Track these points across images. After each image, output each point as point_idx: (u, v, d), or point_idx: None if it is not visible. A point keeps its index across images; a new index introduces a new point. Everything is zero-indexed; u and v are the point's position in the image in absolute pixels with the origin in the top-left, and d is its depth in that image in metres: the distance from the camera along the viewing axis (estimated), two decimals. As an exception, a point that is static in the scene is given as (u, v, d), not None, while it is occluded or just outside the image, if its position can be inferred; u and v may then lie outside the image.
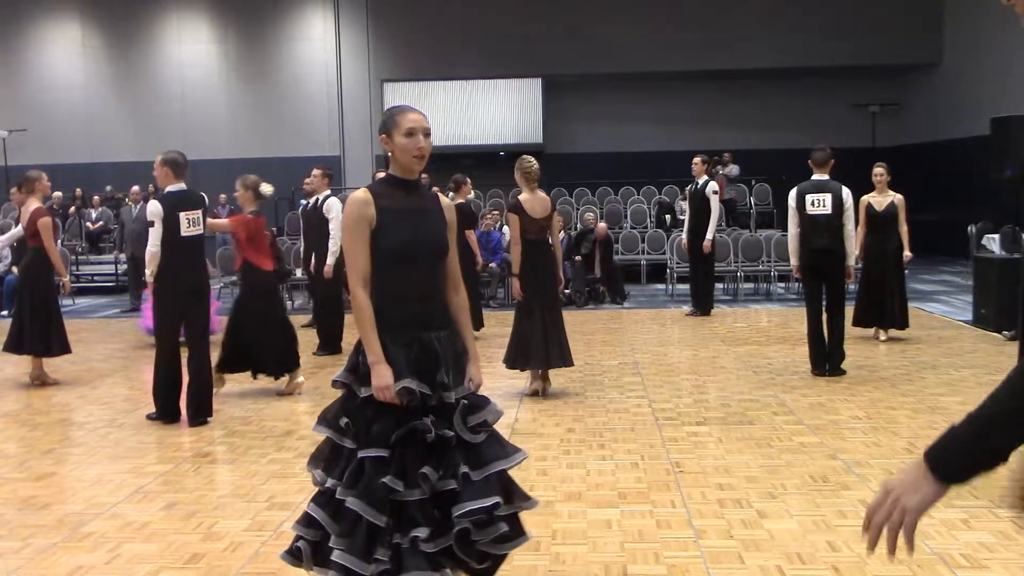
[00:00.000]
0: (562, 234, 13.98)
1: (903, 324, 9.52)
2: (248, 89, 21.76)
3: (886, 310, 9.40)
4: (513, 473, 5.06)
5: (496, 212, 14.91)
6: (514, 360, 7.39)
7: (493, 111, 22.50)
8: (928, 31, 20.18)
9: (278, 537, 4.42)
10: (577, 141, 22.44)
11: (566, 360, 7.38)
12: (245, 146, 21.13)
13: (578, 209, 17.26)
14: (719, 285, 14.19)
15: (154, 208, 6.68)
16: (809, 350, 7.99)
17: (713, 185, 11.86)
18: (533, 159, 7.26)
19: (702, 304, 11.97)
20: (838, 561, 3.97)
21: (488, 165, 20.62)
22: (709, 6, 20.25)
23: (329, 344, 9.60)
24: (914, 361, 8.52)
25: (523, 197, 7.24)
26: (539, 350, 7.24)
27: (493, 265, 13.48)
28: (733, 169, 19.20)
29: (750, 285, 14.77)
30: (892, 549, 1.66)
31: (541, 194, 7.31)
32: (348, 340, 9.70)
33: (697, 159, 11.92)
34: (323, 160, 12.74)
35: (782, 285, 14.62)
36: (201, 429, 6.60)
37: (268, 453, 5.92)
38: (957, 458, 1.63)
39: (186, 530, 4.57)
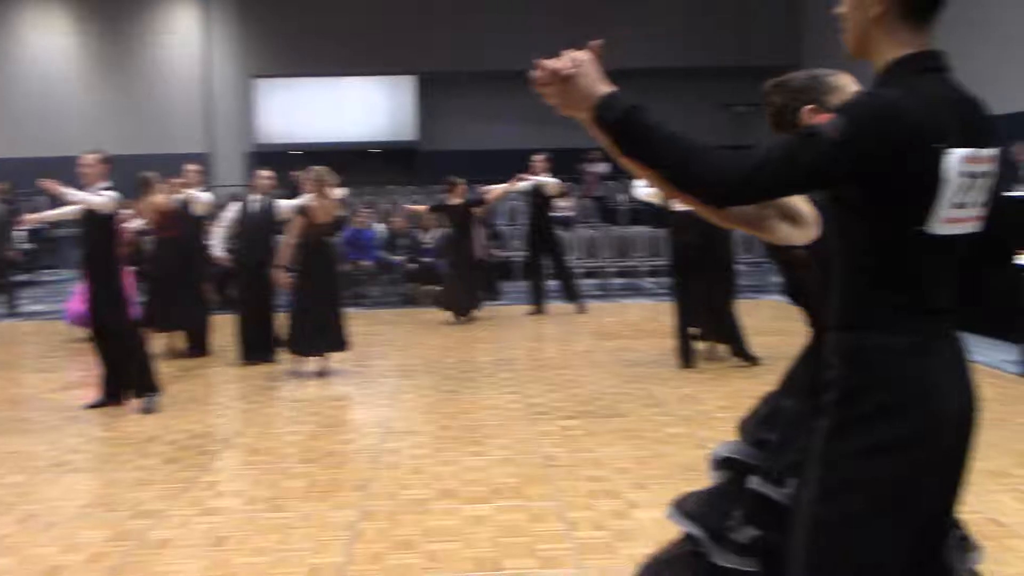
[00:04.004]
0: (438, 231, 13.96)
1: None
2: (110, 83, 20.98)
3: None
4: (384, 472, 5.04)
5: (368, 210, 14.77)
6: (298, 344, 8.10)
7: (366, 108, 22.31)
8: (789, 31, 20.97)
9: (142, 546, 4.28)
10: (453, 138, 22.42)
11: (340, 345, 8.13)
12: (108, 143, 20.16)
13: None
14: (591, 281, 14.40)
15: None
16: (677, 343, 8.19)
17: (550, 179, 11.89)
18: (324, 169, 8.15)
19: (571, 296, 11.88)
20: (705, 547, 4.07)
21: (361, 163, 20.42)
22: (586, 3, 20.51)
23: (198, 346, 9.30)
24: (778, 351, 8.80)
25: (310, 202, 8.03)
26: (312, 335, 8.00)
27: (367, 263, 13.35)
28: (601, 167, 19.50)
29: (621, 280, 15.03)
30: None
31: (328, 201, 8.10)
32: (219, 342, 9.44)
33: (538, 157, 11.97)
34: (192, 157, 12.42)
35: (652, 280, 14.93)
36: (59, 438, 6.33)
37: (131, 460, 5.72)
38: (616, 116, 1.88)
39: (44, 542, 4.37)
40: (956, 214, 1.88)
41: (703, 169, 1.83)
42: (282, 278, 8.08)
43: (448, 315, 11.26)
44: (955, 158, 1.84)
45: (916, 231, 1.87)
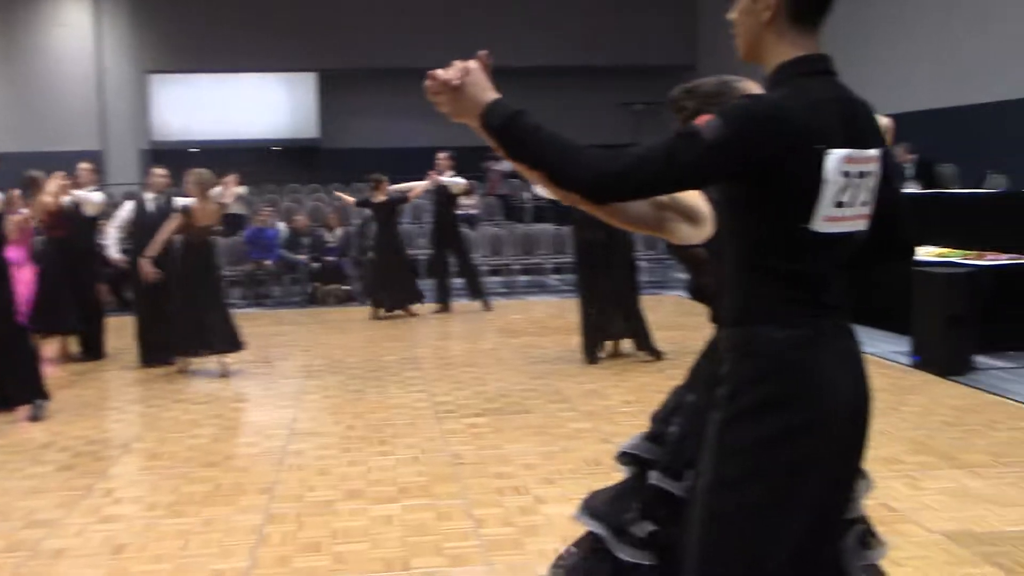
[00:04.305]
0: (341, 230, 13.82)
1: None
2: (-5, 77, 20.18)
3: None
4: (289, 474, 5.01)
5: (270, 208, 14.54)
6: (186, 348, 8.10)
7: (266, 105, 21.96)
8: (685, 32, 21.38)
9: (36, 556, 4.14)
10: (355, 136, 22.21)
11: (234, 344, 8.08)
12: (-7, 139, 19.62)
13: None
14: (496, 278, 14.44)
15: None
16: (583, 339, 8.27)
17: (456, 179, 11.96)
18: (206, 171, 8.16)
19: (476, 295, 11.89)
20: (611, 541, 4.12)
21: (262, 160, 20.08)
22: (486, 2, 20.53)
23: (92, 350, 9.03)
24: (681, 346, 8.97)
25: (193, 204, 8.06)
26: (197, 336, 7.96)
27: (269, 263, 13.13)
28: (506, 165, 19.58)
29: (526, 277, 15.10)
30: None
31: (210, 204, 8.08)
32: (115, 344, 9.18)
33: (442, 155, 12.02)
34: (85, 155, 12.06)
35: (557, 277, 15.03)
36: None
37: (23, 468, 5.52)
38: (500, 122, 1.94)
39: (-71, 556, 4.20)
40: (837, 213, 1.94)
41: (580, 168, 1.89)
42: (148, 270, 8.04)
43: (374, 312, 11.25)
44: (835, 158, 1.90)
45: (801, 229, 1.92)
